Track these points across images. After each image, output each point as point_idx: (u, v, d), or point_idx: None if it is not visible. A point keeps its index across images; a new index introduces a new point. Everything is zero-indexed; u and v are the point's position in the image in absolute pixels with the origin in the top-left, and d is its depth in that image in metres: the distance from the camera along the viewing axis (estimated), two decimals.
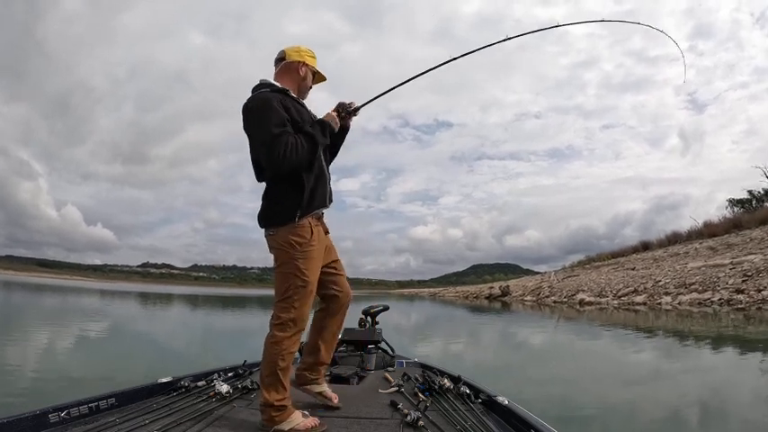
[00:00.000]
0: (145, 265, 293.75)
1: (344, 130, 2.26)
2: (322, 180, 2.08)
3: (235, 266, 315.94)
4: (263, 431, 1.88)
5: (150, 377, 2.44)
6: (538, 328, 12.45)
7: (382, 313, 3.81)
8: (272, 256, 2.05)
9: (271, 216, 2.02)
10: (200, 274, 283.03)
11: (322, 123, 2.06)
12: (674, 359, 6.72)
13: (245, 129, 2.01)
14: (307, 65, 2.16)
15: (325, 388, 2.25)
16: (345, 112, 2.19)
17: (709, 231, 22.13)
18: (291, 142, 1.88)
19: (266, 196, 2.04)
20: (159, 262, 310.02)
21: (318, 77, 2.26)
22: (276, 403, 1.88)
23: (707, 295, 12.72)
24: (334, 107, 2.19)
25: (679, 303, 13.11)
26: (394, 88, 2.39)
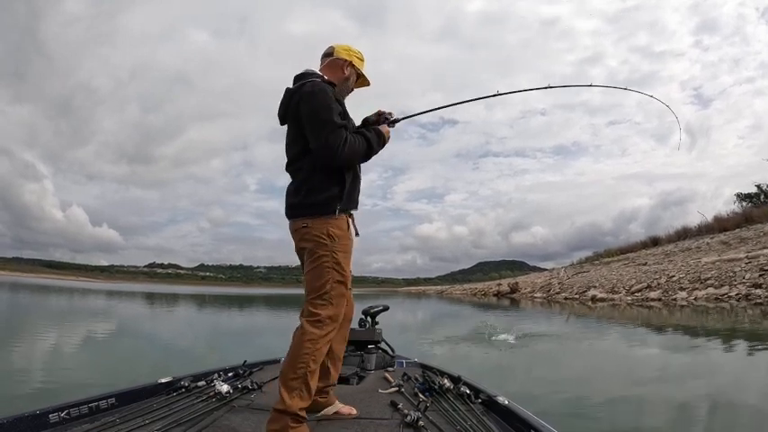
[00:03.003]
0: (151, 265, 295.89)
1: None
2: (357, 182, 2.05)
3: (241, 266, 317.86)
4: None
5: (152, 377, 2.42)
6: (548, 325, 12.19)
7: (383, 313, 3.76)
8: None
9: (308, 205, 1.92)
10: (207, 273, 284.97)
11: (379, 133, 2.06)
12: (687, 356, 6.50)
13: (299, 113, 1.93)
14: (353, 66, 2.15)
15: (339, 407, 2.12)
16: (385, 120, 2.17)
17: (719, 226, 22.03)
18: (350, 138, 1.89)
19: (302, 186, 1.95)
20: (166, 262, 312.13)
21: (362, 81, 2.23)
22: (298, 411, 1.74)
23: (723, 290, 12.46)
24: (375, 112, 2.17)
25: (695, 299, 12.85)
26: (433, 110, 2.48)
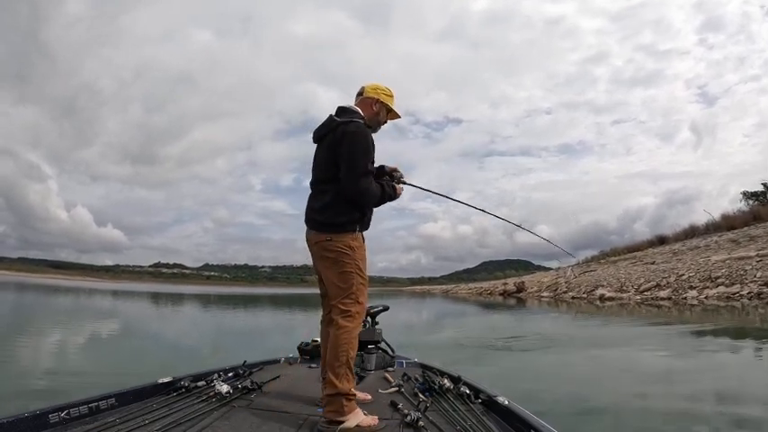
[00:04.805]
0: (157, 265, 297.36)
1: None
2: (371, 209, 2.33)
3: (246, 265, 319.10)
4: (327, 426, 1.94)
5: (153, 377, 2.43)
6: (554, 324, 12.09)
7: (383, 313, 3.79)
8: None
9: (334, 224, 2.20)
10: (212, 273, 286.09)
11: (395, 190, 2.37)
12: (696, 356, 6.37)
13: (338, 145, 2.16)
14: (381, 102, 2.36)
15: (356, 393, 2.25)
16: (391, 178, 2.45)
17: (727, 224, 21.80)
18: (374, 185, 2.21)
19: (328, 207, 2.21)
20: (171, 262, 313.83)
21: (392, 114, 2.45)
22: (349, 392, 2.01)
23: (735, 289, 12.28)
24: (390, 168, 2.46)
25: (706, 298, 12.68)
26: (439, 194, 2.96)
